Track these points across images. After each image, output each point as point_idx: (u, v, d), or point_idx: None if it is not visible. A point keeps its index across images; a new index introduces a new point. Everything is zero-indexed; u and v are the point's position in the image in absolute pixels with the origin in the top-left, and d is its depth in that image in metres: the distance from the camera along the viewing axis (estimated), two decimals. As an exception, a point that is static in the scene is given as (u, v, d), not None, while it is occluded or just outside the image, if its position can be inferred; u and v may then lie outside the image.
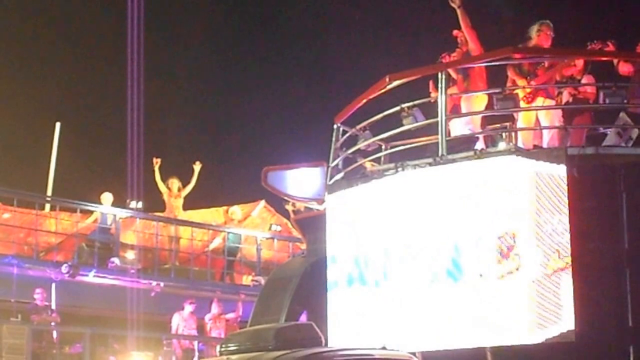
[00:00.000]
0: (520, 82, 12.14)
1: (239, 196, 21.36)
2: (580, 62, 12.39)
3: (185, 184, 19.99)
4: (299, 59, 27.41)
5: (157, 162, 19.49)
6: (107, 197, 18.86)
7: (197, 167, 19.93)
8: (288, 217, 20.06)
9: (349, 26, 25.44)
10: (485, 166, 11.38)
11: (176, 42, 27.00)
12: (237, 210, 20.70)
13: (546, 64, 12.21)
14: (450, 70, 12.41)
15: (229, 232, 20.16)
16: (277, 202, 19.87)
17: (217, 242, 20.26)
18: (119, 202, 19.05)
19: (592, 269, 10.71)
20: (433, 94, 12.45)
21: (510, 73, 12.26)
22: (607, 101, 11.84)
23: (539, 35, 12.24)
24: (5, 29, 25.56)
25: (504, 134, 12.47)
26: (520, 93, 12.12)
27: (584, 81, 12.53)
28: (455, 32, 12.91)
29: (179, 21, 26.91)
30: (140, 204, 19.26)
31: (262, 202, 21.28)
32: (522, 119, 12.24)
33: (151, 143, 18.63)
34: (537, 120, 12.22)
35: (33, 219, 18.03)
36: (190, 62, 26.91)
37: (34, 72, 26.56)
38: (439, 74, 12.09)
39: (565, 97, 12.70)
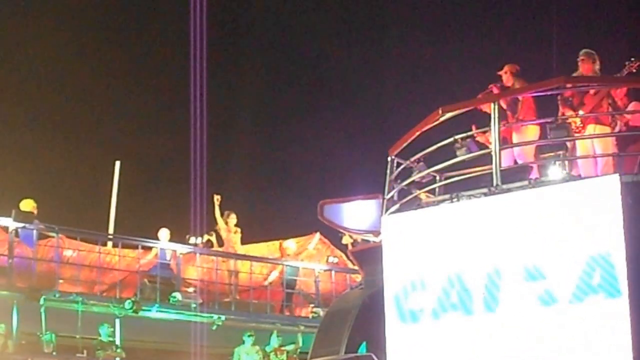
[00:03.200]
0: (569, 112, 12.25)
1: (295, 229, 21.57)
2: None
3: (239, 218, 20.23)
4: (353, 93, 27.66)
5: (218, 200, 19.76)
6: (164, 233, 19.20)
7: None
8: (343, 250, 20.22)
9: (402, 60, 25.66)
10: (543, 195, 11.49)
11: (235, 79, 27.41)
12: (291, 245, 20.89)
13: (592, 92, 12.32)
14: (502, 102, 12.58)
15: (287, 265, 20.37)
16: (333, 234, 20.07)
17: (274, 276, 20.46)
18: (179, 238, 19.37)
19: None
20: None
21: (560, 104, 12.39)
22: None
23: (582, 63, 12.38)
24: (65, 69, 26.19)
25: (557, 163, 12.56)
26: (572, 123, 12.23)
27: (634, 108, 12.59)
28: (499, 72, 13.15)
29: (239, 60, 27.34)
30: (199, 240, 19.55)
31: (318, 235, 21.43)
32: (577, 147, 12.34)
33: (208, 178, 18.95)
34: (592, 148, 12.32)
35: (96, 257, 18.42)
36: (247, 96, 27.29)
37: (94, 112, 27.13)
38: (492, 105, 12.25)
39: (619, 124, 12.75)
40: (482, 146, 12.70)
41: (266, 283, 20.23)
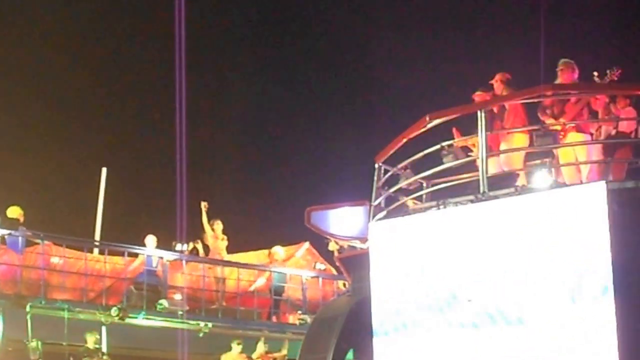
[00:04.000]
0: (549, 120, 12.33)
1: (283, 238, 21.55)
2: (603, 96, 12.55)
3: (225, 225, 20.19)
4: (340, 100, 27.72)
5: (205, 206, 19.72)
6: (150, 240, 19.16)
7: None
8: (331, 260, 20.19)
9: (389, 67, 25.72)
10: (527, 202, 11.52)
11: (221, 86, 27.42)
12: (279, 251, 20.86)
13: (572, 100, 12.39)
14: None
15: (274, 272, 20.34)
16: (321, 244, 20.07)
17: (260, 282, 20.42)
18: (166, 245, 19.33)
19: (635, 303, 10.76)
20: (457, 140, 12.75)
21: (539, 112, 12.47)
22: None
23: (562, 73, 12.47)
24: (52, 77, 26.17)
25: (544, 170, 12.60)
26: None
27: (624, 115, 12.66)
28: (491, 81, 13.22)
29: (223, 66, 27.36)
30: (185, 246, 19.53)
31: (307, 244, 21.39)
32: (561, 155, 12.39)
33: (195, 185, 18.93)
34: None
35: (82, 264, 18.35)
36: (234, 104, 27.30)
37: (80, 119, 27.09)
38: (478, 112, 12.29)
39: (603, 132, 12.81)
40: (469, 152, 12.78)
41: (252, 288, 20.17)
